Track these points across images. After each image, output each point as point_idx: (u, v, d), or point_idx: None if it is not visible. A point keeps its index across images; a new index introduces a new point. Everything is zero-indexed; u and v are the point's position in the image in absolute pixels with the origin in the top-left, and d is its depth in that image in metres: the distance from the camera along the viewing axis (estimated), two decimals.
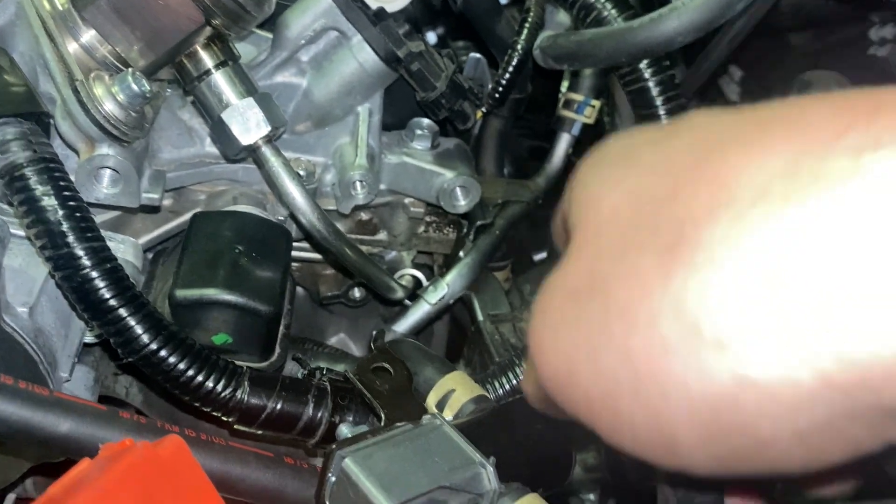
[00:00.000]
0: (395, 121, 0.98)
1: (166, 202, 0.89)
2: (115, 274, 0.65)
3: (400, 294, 0.98)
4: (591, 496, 1.03)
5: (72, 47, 0.74)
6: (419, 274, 1.02)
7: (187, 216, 0.89)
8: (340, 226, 0.93)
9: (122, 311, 0.64)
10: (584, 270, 0.36)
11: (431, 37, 1.31)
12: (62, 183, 0.65)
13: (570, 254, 0.38)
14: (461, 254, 1.05)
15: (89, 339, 0.77)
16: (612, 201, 0.37)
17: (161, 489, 0.47)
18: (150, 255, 0.90)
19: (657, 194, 0.35)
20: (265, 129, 0.78)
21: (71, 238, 0.63)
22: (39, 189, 0.63)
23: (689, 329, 0.31)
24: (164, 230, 0.89)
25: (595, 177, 0.39)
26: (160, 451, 0.48)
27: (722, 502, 0.50)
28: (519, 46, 0.99)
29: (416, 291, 1.00)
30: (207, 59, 0.78)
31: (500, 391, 0.81)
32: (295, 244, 0.92)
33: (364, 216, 0.99)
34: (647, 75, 0.87)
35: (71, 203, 0.64)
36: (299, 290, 1.05)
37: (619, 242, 0.35)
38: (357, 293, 1.02)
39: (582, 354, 0.35)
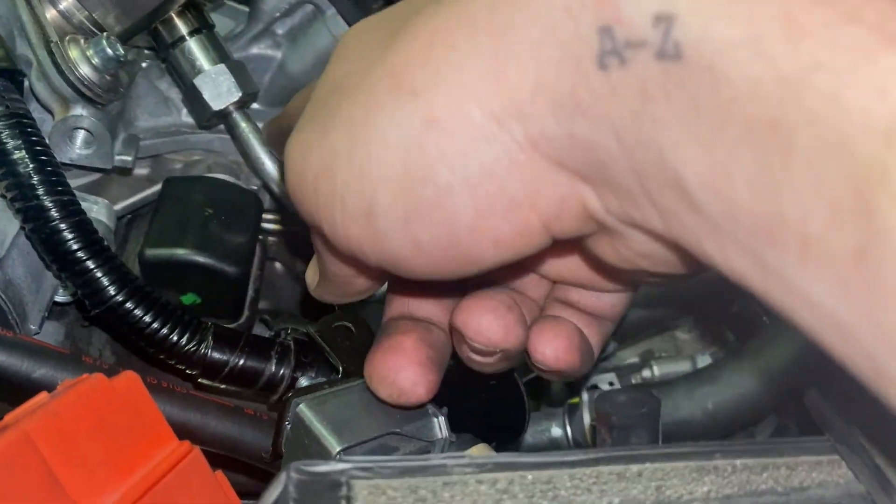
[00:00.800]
0: None
1: (143, 171, 0.91)
2: (83, 227, 0.67)
3: None
4: None
5: (49, 13, 0.76)
6: None
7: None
8: None
9: (90, 263, 0.66)
10: (326, 80, 0.42)
11: None
12: (34, 138, 0.67)
13: (318, 82, 0.44)
14: None
15: (62, 297, 0.79)
16: (357, 26, 0.43)
17: (114, 419, 0.49)
18: (125, 222, 0.92)
19: (394, 13, 0.41)
20: (236, 94, 0.80)
21: (41, 190, 0.65)
22: (11, 143, 0.65)
23: (394, 84, 0.36)
24: (140, 197, 0.91)
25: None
26: (115, 384, 0.50)
27: (656, 444, 0.53)
28: None
29: None
30: (182, 26, 0.80)
31: None
32: (271, 217, 0.94)
33: None
34: None
35: (42, 157, 0.66)
36: (278, 265, 1.07)
37: (356, 49, 0.41)
38: None
39: (315, 140, 0.39)
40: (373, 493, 0.41)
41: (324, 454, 0.58)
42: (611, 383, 0.95)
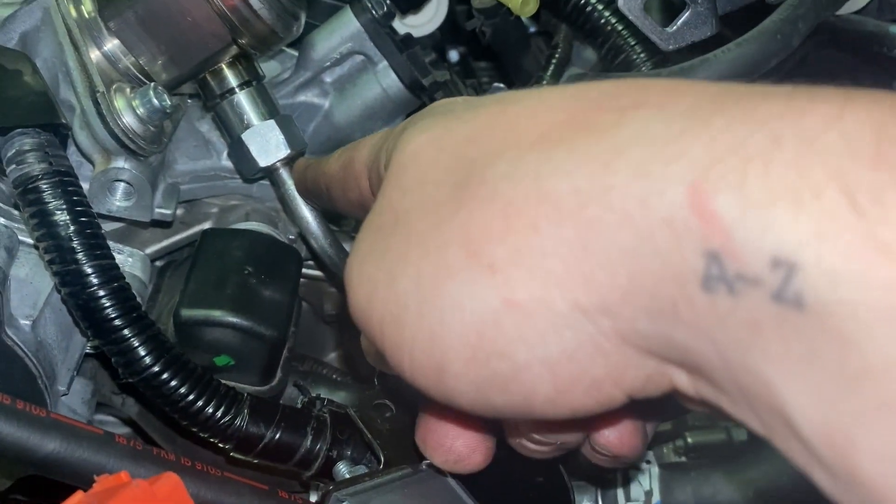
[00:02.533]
0: None
1: (178, 213, 0.88)
2: (121, 293, 0.64)
3: None
4: None
5: (95, 56, 0.73)
6: None
7: (198, 228, 0.88)
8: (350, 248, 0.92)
9: (127, 332, 0.63)
10: (389, 207, 0.40)
11: (454, 54, 1.31)
12: (75, 198, 0.64)
13: (379, 195, 0.42)
14: None
15: (87, 349, 0.76)
16: (419, 144, 0.41)
17: None
18: (157, 264, 0.89)
19: (458, 138, 0.39)
20: (284, 151, 0.78)
21: (80, 255, 0.62)
22: (52, 203, 0.62)
23: (470, 254, 0.35)
24: (173, 241, 0.88)
25: (409, 127, 0.43)
26: (156, 490, 0.47)
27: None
28: (544, 81, 0.99)
29: None
30: (232, 78, 0.77)
31: None
32: (305, 270, 0.91)
33: None
34: None
35: (83, 219, 0.63)
36: (304, 304, 1.05)
37: (420, 179, 0.39)
38: None
39: (381, 281, 0.39)
40: None
41: None
42: (647, 461, 0.92)
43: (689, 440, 1.02)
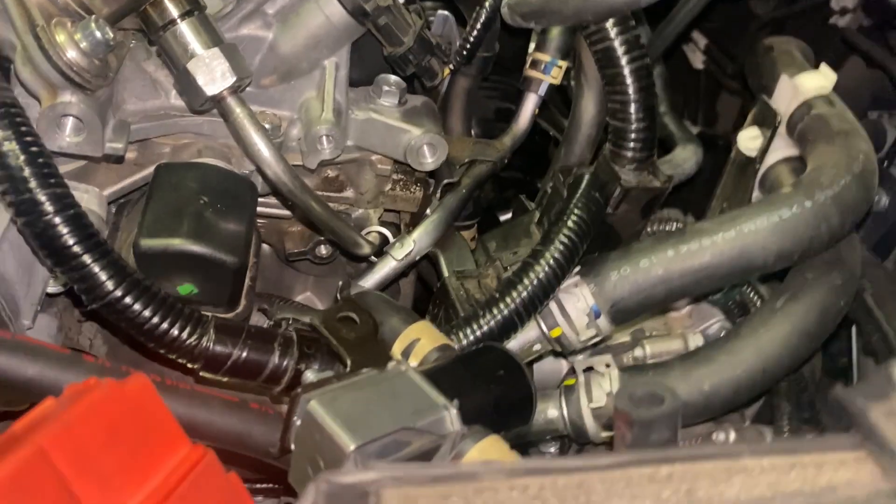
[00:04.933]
0: (362, 76, 0.98)
1: (130, 155, 0.88)
2: (78, 220, 0.65)
3: (367, 250, 0.99)
4: (552, 448, 1.06)
5: None
6: (386, 231, 1.03)
7: (151, 168, 0.89)
8: (307, 182, 0.93)
9: (87, 258, 0.64)
10: None
11: None
12: (24, 128, 0.64)
13: None
14: (428, 211, 1.05)
15: (53, 288, 0.77)
16: None
17: (126, 425, 0.47)
18: (114, 208, 0.90)
19: None
20: (230, 79, 0.78)
21: (33, 183, 0.63)
22: (0, 133, 0.63)
23: None
24: (129, 182, 0.89)
25: None
26: (126, 389, 0.49)
27: (676, 442, 0.53)
28: (487, 4, 1.00)
29: (382, 248, 1.01)
30: (173, 9, 0.77)
31: (465, 341, 0.82)
32: (260, 200, 0.92)
33: (331, 173, 0.99)
34: (612, 34, 0.88)
35: (33, 148, 0.64)
36: (265, 247, 1.06)
37: None
38: (323, 250, 1.03)
39: None
40: (403, 503, 0.41)
41: (337, 451, 0.57)
42: (607, 365, 0.95)
43: (648, 349, 1.06)
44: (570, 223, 0.87)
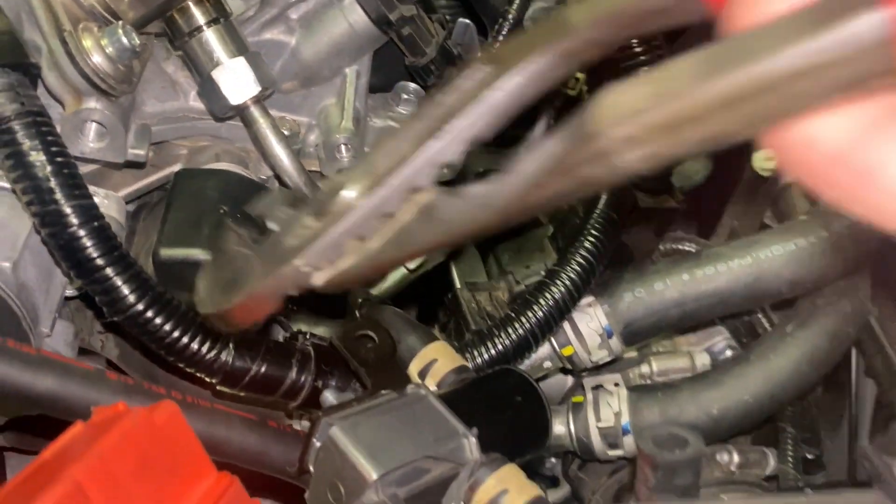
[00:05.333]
0: (381, 83, 0.97)
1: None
2: (102, 233, 0.64)
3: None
4: (553, 459, 1.06)
5: None
6: None
7: (168, 170, 0.88)
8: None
9: (110, 271, 0.64)
10: None
11: None
12: (50, 138, 0.64)
13: None
14: None
15: (70, 292, 0.77)
16: None
17: (157, 455, 0.47)
18: (129, 208, 0.89)
19: None
20: (255, 89, 0.78)
21: (59, 195, 0.62)
22: (27, 143, 0.62)
23: None
24: (145, 183, 0.88)
25: None
26: (155, 418, 0.49)
27: (698, 486, 0.53)
28: (510, 16, 0.99)
29: None
30: (199, 16, 0.76)
31: (479, 360, 0.82)
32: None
33: None
34: (637, 50, 0.88)
35: (59, 159, 0.63)
36: None
37: None
38: None
39: None
40: None
41: (359, 479, 0.57)
42: (616, 384, 0.96)
43: (654, 366, 1.06)
44: (586, 243, 0.87)
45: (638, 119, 0.29)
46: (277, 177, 0.85)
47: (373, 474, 0.56)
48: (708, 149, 0.29)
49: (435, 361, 0.73)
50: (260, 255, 0.45)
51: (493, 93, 0.37)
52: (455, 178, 0.98)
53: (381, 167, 0.42)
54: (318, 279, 0.42)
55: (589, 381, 0.98)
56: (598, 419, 0.94)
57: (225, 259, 0.50)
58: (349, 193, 0.42)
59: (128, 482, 0.45)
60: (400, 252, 0.42)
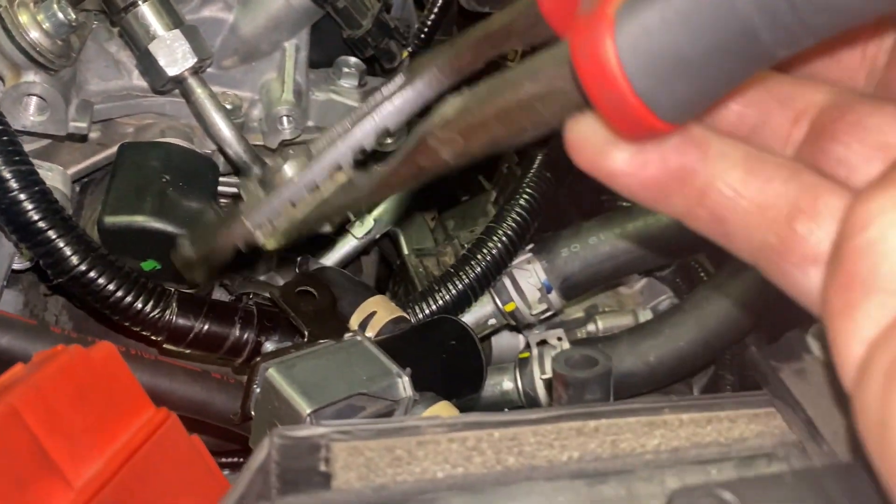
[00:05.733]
0: (322, 58, 1.00)
1: (94, 135, 0.90)
2: (43, 197, 0.67)
3: (327, 228, 1.02)
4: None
5: None
6: None
7: (115, 148, 0.90)
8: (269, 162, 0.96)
9: (51, 233, 0.66)
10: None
11: None
12: None
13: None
14: None
15: (19, 265, 0.79)
16: None
17: (93, 389, 0.50)
18: (78, 188, 0.91)
19: None
20: (191, 60, 0.80)
21: None
22: None
23: None
24: (92, 162, 0.90)
25: None
26: (92, 355, 0.51)
27: (608, 399, 0.57)
28: None
29: (343, 226, 1.04)
30: None
31: (421, 315, 0.85)
32: (221, 179, 0.94)
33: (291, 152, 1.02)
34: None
35: None
36: None
37: None
38: None
39: None
40: (352, 454, 0.44)
41: (294, 416, 0.61)
42: (559, 338, 1.00)
43: (600, 324, 1.10)
44: (521, 201, 0.91)
45: (450, 125, 0.39)
46: (220, 149, 0.88)
47: (307, 409, 0.59)
48: (497, 149, 0.39)
49: (374, 313, 0.76)
50: (222, 218, 0.58)
51: (399, 95, 0.52)
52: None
53: (314, 151, 0.55)
54: (260, 237, 0.57)
55: (534, 338, 1.02)
56: (543, 372, 0.98)
57: (201, 221, 0.67)
58: (289, 171, 0.56)
59: (64, 410, 0.47)
60: (320, 216, 0.55)
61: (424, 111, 0.46)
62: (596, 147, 0.35)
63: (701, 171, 0.35)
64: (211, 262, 0.59)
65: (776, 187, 0.35)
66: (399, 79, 0.52)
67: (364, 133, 0.52)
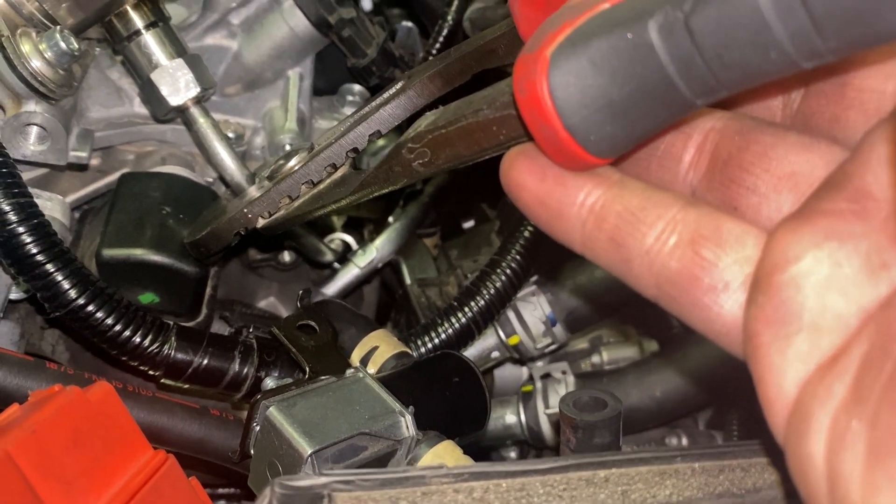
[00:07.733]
0: (326, 86, 1.00)
1: (94, 161, 0.89)
2: (42, 229, 0.66)
3: (329, 257, 1.01)
4: (512, 453, 1.09)
5: None
6: (349, 238, 1.05)
7: (115, 176, 0.90)
8: None
9: (50, 267, 0.65)
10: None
11: (367, 3, 1.33)
12: None
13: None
14: (390, 219, 1.08)
15: (16, 295, 0.78)
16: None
17: (90, 431, 0.49)
18: (77, 215, 0.90)
19: None
20: (194, 90, 0.79)
21: None
22: None
23: None
24: (92, 189, 0.90)
25: None
26: (90, 396, 0.50)
27: (618, 445, 0.55)
28: (449, 17, 1.02)
29: (345, 255, 1.03)
30: (137, 20, 0.78)
31: (423, 349, 0.84)
32: None
33: None
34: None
35: None
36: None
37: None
38: (287, 256, 1.04)
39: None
40: None
41: (295, 456, 0.59)
42: (563, 372, 0.98)
43: (605, 356, 1.09)
44: (526, 233, 0.89)
45: (421, 138, 0.43)
46: (221, 178, 0.87)
47: (307, 450, 0.58)
48: (461, 164, 0.43)
49: (376, 348, 0.75)
50: (228, 204, 0.68)
51: (392, 102, 0.57)
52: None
53: (315, 149, 0.62)
54: (259, 223, 0.67)
55: (537, 371, 1.00)
56: (547, 406, 0.96)
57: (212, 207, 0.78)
58: (291, 164, 0.66)
59: (60, 455, 0.46)
60: (312, 209, 0.63)
61: (413, 118, 0.49)
62: (510, 158, 0.37)
63: (599, 195, 0.36)
64: (215, 245, 0.70)
65: (674, 213, 0.35)
66: (395, 84, 0.58)
67: (357, 135, 0.59)
